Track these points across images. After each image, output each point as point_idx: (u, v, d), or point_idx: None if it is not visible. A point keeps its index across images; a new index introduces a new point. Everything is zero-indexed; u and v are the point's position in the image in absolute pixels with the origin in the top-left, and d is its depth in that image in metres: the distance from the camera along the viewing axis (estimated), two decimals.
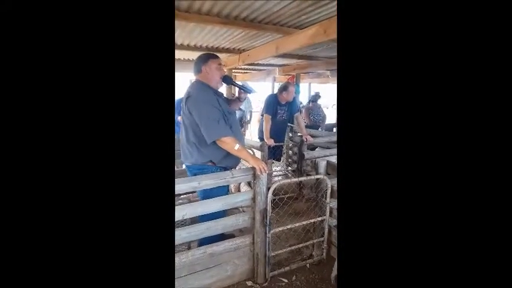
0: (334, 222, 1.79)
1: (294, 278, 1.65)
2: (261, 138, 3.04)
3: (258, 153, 2.62)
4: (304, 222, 1.70)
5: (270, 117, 2.86)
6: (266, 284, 1.59)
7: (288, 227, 1.65)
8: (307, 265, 1.75)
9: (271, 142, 2.79)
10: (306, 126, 3.46)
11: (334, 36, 2.01)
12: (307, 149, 2.89)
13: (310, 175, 2.01)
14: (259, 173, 1.46)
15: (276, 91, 3.27)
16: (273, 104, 2.90)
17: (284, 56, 3.76)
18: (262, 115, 3.00)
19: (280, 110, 2.92)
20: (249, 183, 2.26)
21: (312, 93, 5.46)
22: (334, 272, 1.54)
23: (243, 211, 1.63)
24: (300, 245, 1.76)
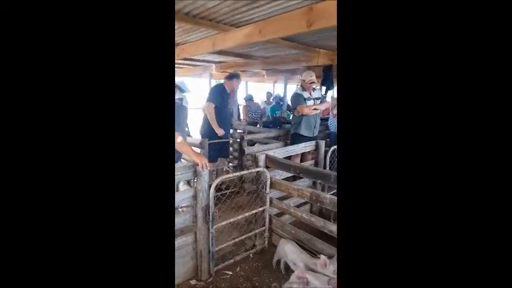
0: (274, 211, 1.91)
1: (238, 269, 1.70)
2: (204, 135, 2.88)
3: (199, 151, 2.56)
4: (246, 214, 1.77)
5: (214, 106, 2.68)
6: (211, 279, 1.59)
7: (231, 220, 1.69)
8: (251, 255, 1.82)
9: (222, 132, 2.65)
10: (247, 123, 3.54)
11: (269, 36, 2.12)
12: (247, 144, 2.97)
13: (250, 169, 2.09)
14: (201, 169, 1.45)
15: (212, 87, 3.12)
16: (221, 93, 2.73)
17: (221, 53, 3.75)
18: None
19: (228, 99, 2.80)
20: (188, 182, 2.20)
21: (248, 93, 5.73)
22: (276, 258, 1.65)
23: (182, 211, 1.59)
24: (243, 237, 1.83)
